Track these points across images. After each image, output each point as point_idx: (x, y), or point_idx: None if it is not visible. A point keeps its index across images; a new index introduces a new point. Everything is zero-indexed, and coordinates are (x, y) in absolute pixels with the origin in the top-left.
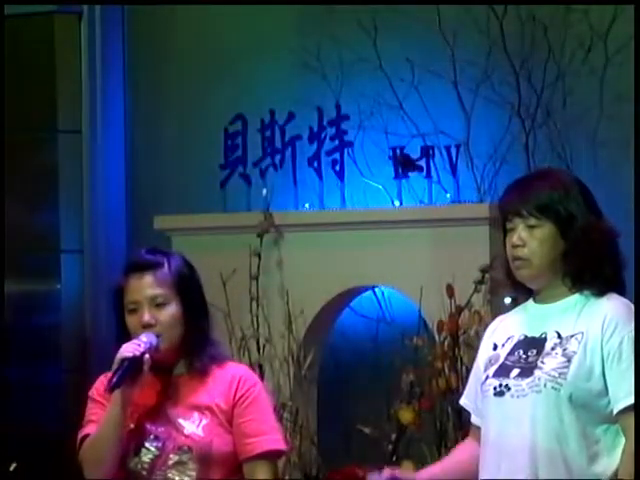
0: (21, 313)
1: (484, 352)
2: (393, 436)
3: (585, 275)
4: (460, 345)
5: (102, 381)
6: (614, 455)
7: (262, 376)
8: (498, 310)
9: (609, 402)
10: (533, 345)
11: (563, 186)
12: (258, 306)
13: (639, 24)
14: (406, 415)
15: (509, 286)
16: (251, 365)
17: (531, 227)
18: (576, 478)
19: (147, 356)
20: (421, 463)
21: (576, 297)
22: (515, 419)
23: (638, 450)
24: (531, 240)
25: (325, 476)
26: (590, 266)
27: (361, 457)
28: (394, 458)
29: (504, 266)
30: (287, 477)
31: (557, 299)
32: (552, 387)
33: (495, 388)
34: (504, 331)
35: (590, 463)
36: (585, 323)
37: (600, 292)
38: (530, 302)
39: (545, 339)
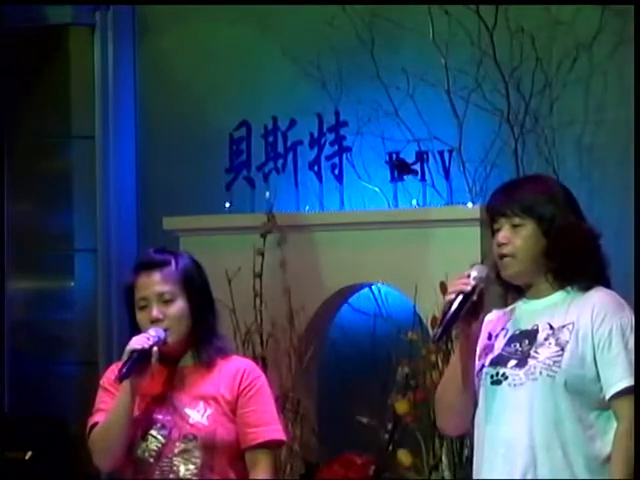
0: (37, 308)
1: (479, 340)
2: (389, 426)
3: (566, 272)
4: (453, 339)
5: (113, 370)
6: (607, 439)
7: (265, 368)
8: (488, 306)
9: (601, 388)
10: (526, 337)
11: (545, 188)
12: (261, 302)
13: (639, 24)
14: (402, 406)
15: (498, 285)
16: (255, 358)
17: (515, 226)
18: (572, 461)
19: (155, 349)
20: (416, 451)
21: (562, 293)
22: (513, 407)
23: (637, 436)
24: (515, 238)
25: (325, 463)
26: (570, 263)
27: (359, 445)
28: (390, 446)
29: (493, 266)
30: (289, 464)
31: (544, 295)
32: (547, 375)
33: (492, 377)
34: (498, 323)
35: (585, 447)
36: (575, 314)
37: (586, 287)
38: (522, 301)
39: (537, 330)
